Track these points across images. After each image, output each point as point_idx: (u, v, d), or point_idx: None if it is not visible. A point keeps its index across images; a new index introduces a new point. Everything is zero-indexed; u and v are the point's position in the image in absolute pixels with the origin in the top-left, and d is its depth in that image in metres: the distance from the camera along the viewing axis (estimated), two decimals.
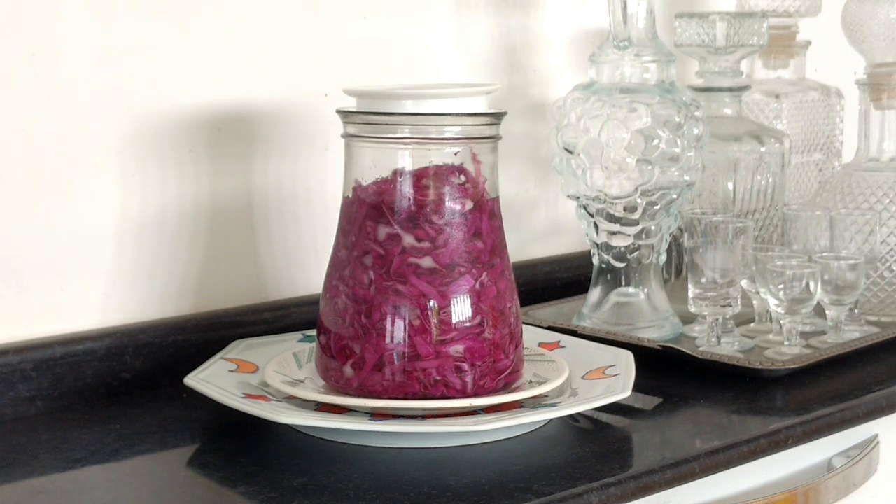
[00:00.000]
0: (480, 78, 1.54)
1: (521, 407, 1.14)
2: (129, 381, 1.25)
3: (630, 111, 1.35)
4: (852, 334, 1.40)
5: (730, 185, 1.49)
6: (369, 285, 1.12)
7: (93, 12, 1.23)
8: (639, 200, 1.37)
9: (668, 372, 1.31)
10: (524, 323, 1.22)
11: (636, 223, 1.38)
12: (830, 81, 1.73)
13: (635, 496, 1.04)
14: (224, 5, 1.31)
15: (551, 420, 1.15)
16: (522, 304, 1.22)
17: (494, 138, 1.15)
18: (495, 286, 1.14)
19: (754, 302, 1.43)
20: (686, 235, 1.41)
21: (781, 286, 1.33)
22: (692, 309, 1.37)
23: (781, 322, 1.35)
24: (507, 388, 1.15)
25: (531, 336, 1.29)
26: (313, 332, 1.21)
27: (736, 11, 1.59)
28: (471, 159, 1.13)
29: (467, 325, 1.11)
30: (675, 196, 1.38)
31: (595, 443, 1.12)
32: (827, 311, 1.40)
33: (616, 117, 1.35)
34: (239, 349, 1.25)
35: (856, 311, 1.44)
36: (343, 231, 1.15)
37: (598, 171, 1.36)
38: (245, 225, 1.35)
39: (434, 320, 1.11)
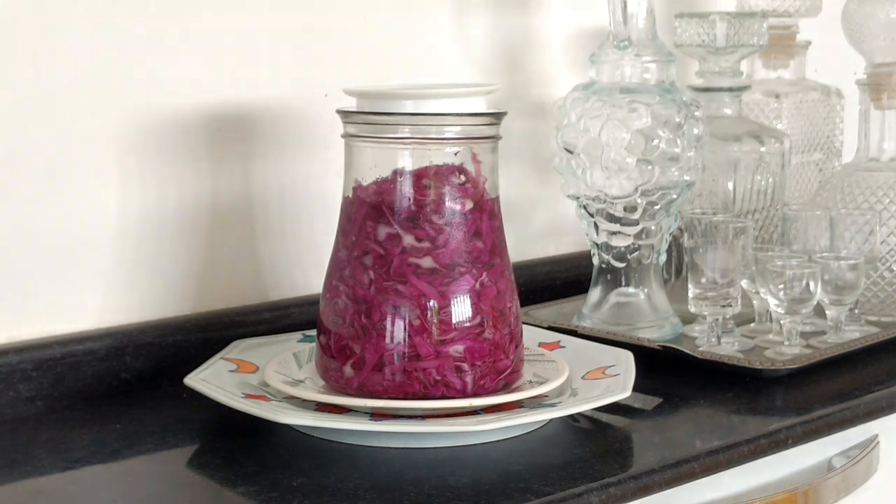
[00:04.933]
0: (480, 78, 1.54)
1: (521, 407, 1.14)
2: (129, 381, 1.25)
3: (630, 111, 1.35)
4: (852, 334, 1.40)
5: (730, 185, 1.49)
6: (369, 285, 1.12)
7: (92, 12, 1.23)
8: (639, 200, 1.37)
9: (668, 372, 1.31)
10: (524, 323, 1.22)
11: (636, 223, 1.38)
12: (830, 81, 1.73)
13: (635, 496, 1.04)
14: (224, 5, 1.31)
15: (551, 420, 1.15)
16: (522, 304, 1.22)
17: (494, 138, 1.15)
18: (495, 286, 1.14)
19: (754, 302, 1.43)
20: (686, 235, 1.41)
21: (781, 286, 1.33)
22: (692, 309, 1.37)
23: (781, 322, 1.35)
24: (507, 388, 1.15)
25: (531, 336, 1.29)
26: (313, 332, 1.21)
27: (736, 11, 1.59)
28: (471, 159, 1.13)
29: (467, 325, 1.11)
30: (675, 196, 1.38)
31: (595, 443, 1.12)
32: (827, 311, 1.40)
33: (616, 117, 1.35)
34: (239, 349, 1.25)
35: (856, 311, 1.44)
36: (343, 231, 1.15)
37: (598, 171, 1.36)
38: (245, 225, 1.35)
39: (434, 320, 1.11)
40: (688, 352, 1.32)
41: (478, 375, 1.12)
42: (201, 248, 1.32)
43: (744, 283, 1.39)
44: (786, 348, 1.34)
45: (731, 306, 1.35)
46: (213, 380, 1.17)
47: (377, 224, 1.12)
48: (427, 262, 1.11)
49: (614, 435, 1.15)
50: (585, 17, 1.63)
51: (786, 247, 1.45)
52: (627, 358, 1.25)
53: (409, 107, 1.12)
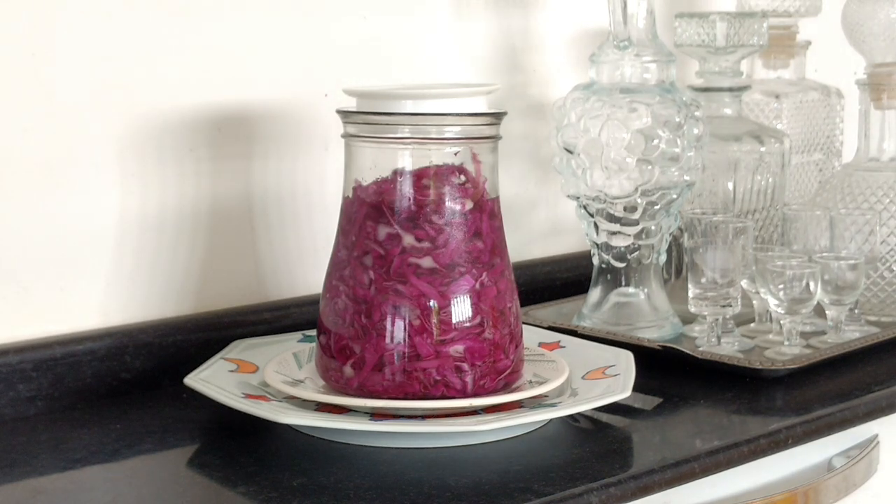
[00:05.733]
0: (480, 78, 1.54)
1: (521, 407, 1.14)
2: (129, 381, 1.25)
3: (630, 111, 1.35)
4: (852, 334, 1.40)
5: (730, 185, 1.49)
6: (369, 285, 1.12)
7: (92, 12, 1.23)
8: (639, 200, 1.37)
9: (668, 372, 1.31)
10: (524, 323, 1.22)
11: (636, 223, 1.38)
12: (830, 81, 1.73)
13: (635, 496, 1.04)
14: (224, 5, 1.31)
15: (551, 420, 1.15)
16: (522, 304, 1.22)
17: (494, 138, 1.15)
18: (495, 286, 1.14)
19: (754, 302, 1.43)
20: (686, 235, 1.41)
21: (781, 286, 1.33)
22: (692, 309, 1.37)
23: (781, 322, 1.35)
24: (507, 388, 1.15)
25: (531, 336, 1.29)
26: (313, 332, 1.21)
27: (736, 11, 1.59)
28: (471, 159, 1.13)
29: (467, 325, 1.11)
30: (675, 196, 1.38)
31: (595, 443, 1.12)
32: (827, 311, 1.40)
33: (616, 117, 1.35)
34: (239, 349, 1.25)
35: (856, 311, 1.44)
36: (343, 231, 1.15)
37: (598, 171, 1.36)
38: (245, 225, 1.35)
39: (434, 320, 1.11)
40: (688, 352, 1.32)
41: (478, 375, 1.12)
42: (201, 248, 1.32)
43: (744, 283, 1.39)
44: (786, 348, 1.34)
45: (731, 306, 1.35)
46: (213, 380, 1.17)
47: (377, 224, 1.12)
48: (427, 262, 1.11)
49: (614, 435, 1.15)
50: (585, 17, 1.63)
51: (786, 247, 1.45)
52: (627, 358, 1.24)
53: (409, 107, 1.12)
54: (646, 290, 1.42)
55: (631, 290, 1.42)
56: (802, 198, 1.66)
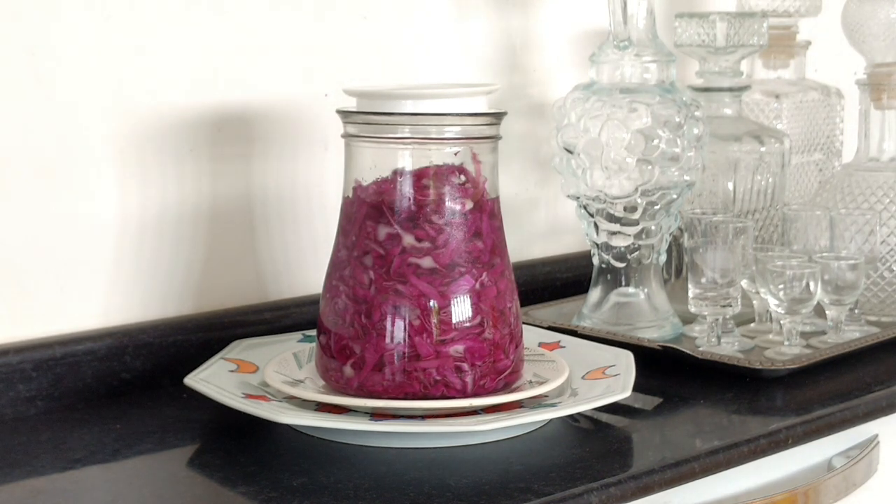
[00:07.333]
0: (480, 78, 1.54)
1: (521, 407, 1.14)
2: (129, 381, 1.25)
3: (630, 111, 1.35)
4: (852, 334, 1.40)
5: (730, 185, 1.49)
6: (369, 285, 1.12)
7: (92, 12, 1.23)
8: (639, 200, 1.37)
9: (668, 372, 1.31)
10: (524, 323, 1.22)
11: (636, 223, 1.39)
12: (830, 81, 1.73)
13: (635, 496, 1.04)
14: (224, 6, 1.31)
15: (551, 420, 1.15)
16: (522, 304, 1.22)
17: (494, 138, 1.15)
18: (495, 286, 1.14)
19: (754, 302, 1.43)
20: (686, 235, 1.41)
21: (781, 286, 1.33)
22: (692, 309, 1.37)
23: (781, 322, 1.35)
24: (507, 388, 1.15)
25: (531, 336, 1.29)
26: (313, 332, 1.21)
27: (736, 11, 1.59)
28: (471, 159, 1.13)
29: (467, 325, 1.11)
30: (675, 196, 1.38)
31: (595, 443, 1.12)
32: (827, 311, 1.40)
33: (616, 117, 1.35)
34: (239, 349, 1.25)
35: (856, 311, 1.44)
36: (343, 231, 1.15)
37: (598, 171, 1.36)
38: (245, 225, 1.35)
39: (434, 320, 1.11)
40: (688, 352, 1.32)
41: (478, 375, 1.12)
42: (201, 248, 1.32)
43: (744, 283, 1.39)
44: (786, 348, 1.34)
45: (731, 306, 1.35)
46: (213, 380, 1.17)
47: (377, 224, 1.12)
48: (427, 262, 1.11)
49: (614, 435, 1.15)
50: (585, 17, 1.63)
51: (786, 247, 1.45)
52: (627, 358, 1.25)
53: (409, 107, 1.12)
54: (646, 290, 1.42)
55: (631, 290, 1.42)
56: (802, 198, 1.66)
